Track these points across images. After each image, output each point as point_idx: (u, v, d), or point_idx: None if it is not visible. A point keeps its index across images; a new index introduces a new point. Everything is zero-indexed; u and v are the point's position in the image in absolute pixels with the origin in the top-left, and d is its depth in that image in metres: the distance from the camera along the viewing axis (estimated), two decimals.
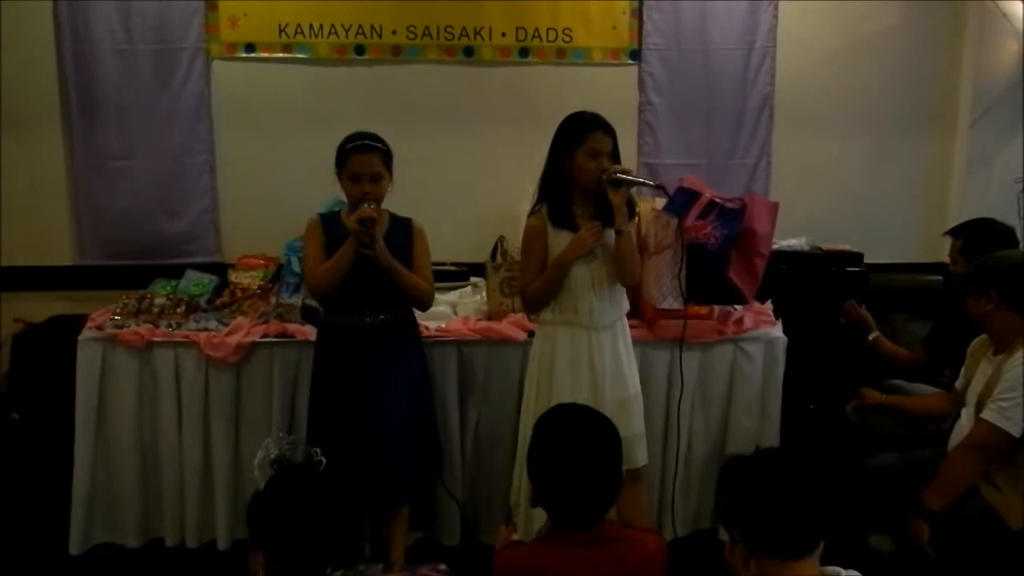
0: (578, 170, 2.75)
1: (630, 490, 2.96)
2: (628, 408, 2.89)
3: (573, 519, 1.83)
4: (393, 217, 2.97)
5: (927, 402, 3.20)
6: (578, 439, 1.86)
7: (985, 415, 2.64)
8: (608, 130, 2.78)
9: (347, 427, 2.88)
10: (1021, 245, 3.49)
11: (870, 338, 3.53)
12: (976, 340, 2.92)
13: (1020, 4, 4.01)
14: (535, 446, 1.89)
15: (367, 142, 2.84)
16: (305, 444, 1.88)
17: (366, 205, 2.74)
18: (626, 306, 2.97)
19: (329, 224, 2.89)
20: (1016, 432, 2.58)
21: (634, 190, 2.87)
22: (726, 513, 1.76)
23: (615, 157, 2.77)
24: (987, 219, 3.31)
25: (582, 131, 2.75)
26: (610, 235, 2.80)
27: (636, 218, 2.93)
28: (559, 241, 2.80)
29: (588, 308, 2.82)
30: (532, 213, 2.88)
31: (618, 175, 2.69)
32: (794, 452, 1.85)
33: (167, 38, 3.82)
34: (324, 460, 1.88)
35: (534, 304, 2.89)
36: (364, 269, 2.79)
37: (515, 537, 2.03)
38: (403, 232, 2.94)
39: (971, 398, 2.78)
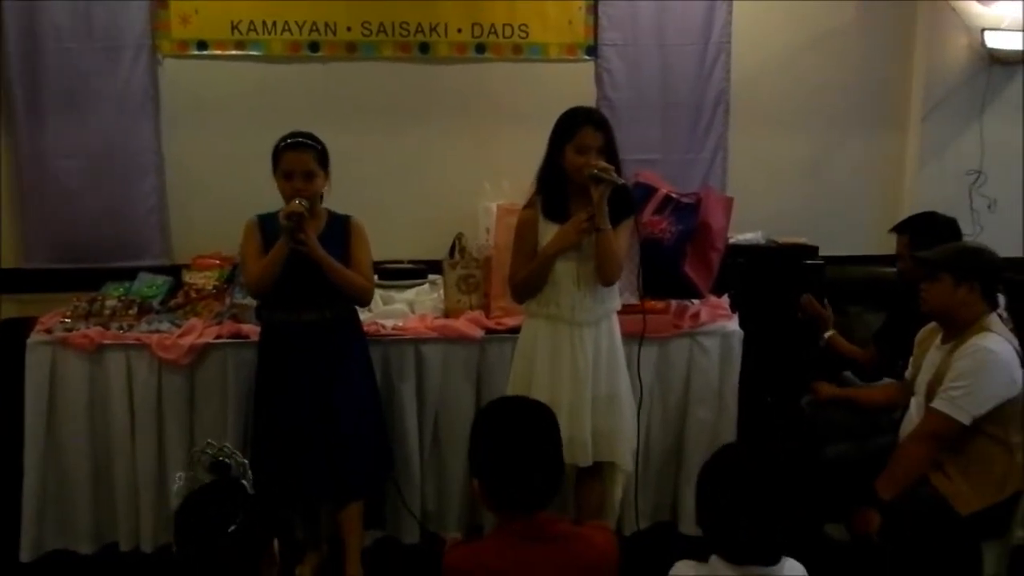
0: (568, 165, 2.76)
1: (592, 486, 3.00)
2: (610, 406, 2.90)
3: (513, 506, 1.82)
4: (332, 215, 2.99)
5: (878, 393, 3.24)
6: (513, 427, 1.86)
7: (935, 404, 2.67)
8: (600, 126, 2.79)
9: (288, 425, 2.90)
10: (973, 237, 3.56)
11: (825, 336, 3.55)
12: (923, 329, 2.95)
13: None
14: (474, 438, 1.89)
15: (300, 140, 2.87)
16: (235, 453, 1.84)
17: (297, 200, 2.77)
18: (616, 304, 2.96)
19: (267, 225, 2.91)
20: (965, 420, 2.62)
21: None
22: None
23: (609, 152, 2.76)
24: (930, 213, 3.34)
25: (572, 126, 2.77)
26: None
27: (632, 217, 2.91)
28: (550, 234, 2.80)
29: (570, 303, 2.82)
30: (527, 205, 2.89)
31: (596, 172, 2.69)
32: (753, 453, 1.87)
33: (113, 36, 3.73)
34: (251, 475, 1.84)
35: (519, 294, 2.91)
36: (301, 267, 2.81)
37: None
38: (341, 230, 2.97)
39: (920, 387, 2.82)
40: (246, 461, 1.84)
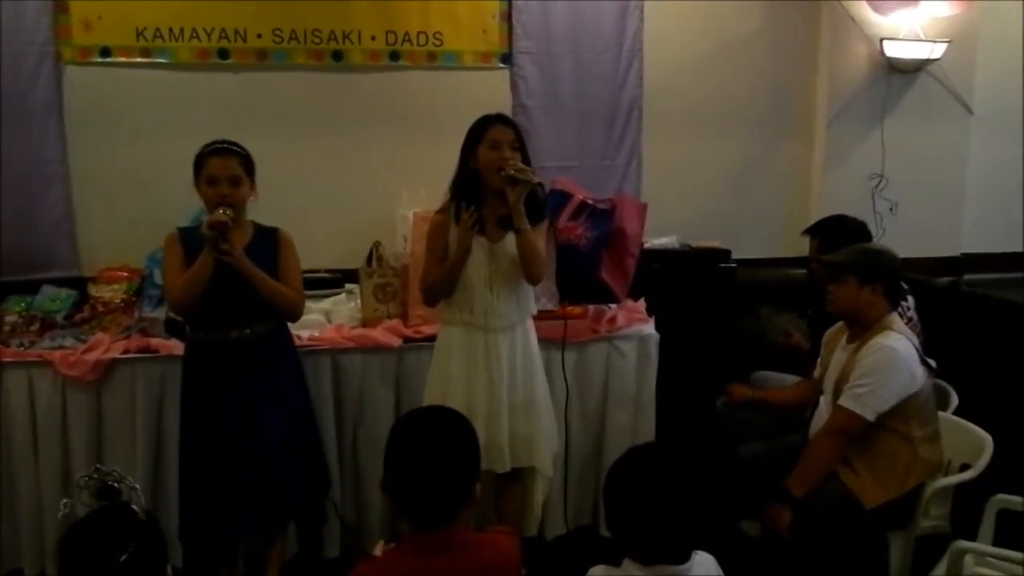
0: (482, 163, 2.79)
1: (511, 492, 3.01)
2: (527, 411, 2.92)
3: (418, 521, 1.81)
4: (258, 227, 2.90)
5: (789, 393, 3.31)
6: (418, 443, 1.84)
7: (841, 402, 2.76)
8: (508, 123, 2.88)
9: (217, 448, 2.78)
10: (876, 239, 3.67)
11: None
12: (830, 330, 3.05)
13: (869, 9, 4.22)
14: (390, 446, 1.87)
15: (225, 145, 2.79)
16: (125, 478, 1.78)
17: (220, 210, 2.67)
18: (531, 309, 2.99)
19: (188, 238, 2.80)
20: (871, 417, 2.71)
21: None
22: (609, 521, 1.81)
23: (521, 152, 2.81)
24: (839, 216, 3.45)
25: (483, 126, 2.84)
26: (511, 240, 2.82)
27: (545, 220, 2.96)
28: None
29: (483, 309, 2.84)
30: (440, 210, 2.91)
31: (512, 174, 2.72)
32: (660, 454, 1.89)
33: (12, 41, 3.59)
34: (142, 499, 1.79)
35: (429, 297, 2.92)
36: (227, 282, 2.71)
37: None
38: (269, 242, 2.87)
39: (828, 385, 2.90)
40: (137, 486, 1.78)
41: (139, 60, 3.77)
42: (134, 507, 1.73)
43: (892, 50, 4.22)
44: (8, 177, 3.66)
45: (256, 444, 2.80)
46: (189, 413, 2.88)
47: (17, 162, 3.66)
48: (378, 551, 1.98)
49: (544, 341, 3.15)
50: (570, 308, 3.35)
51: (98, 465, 1.79)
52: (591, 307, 3.47)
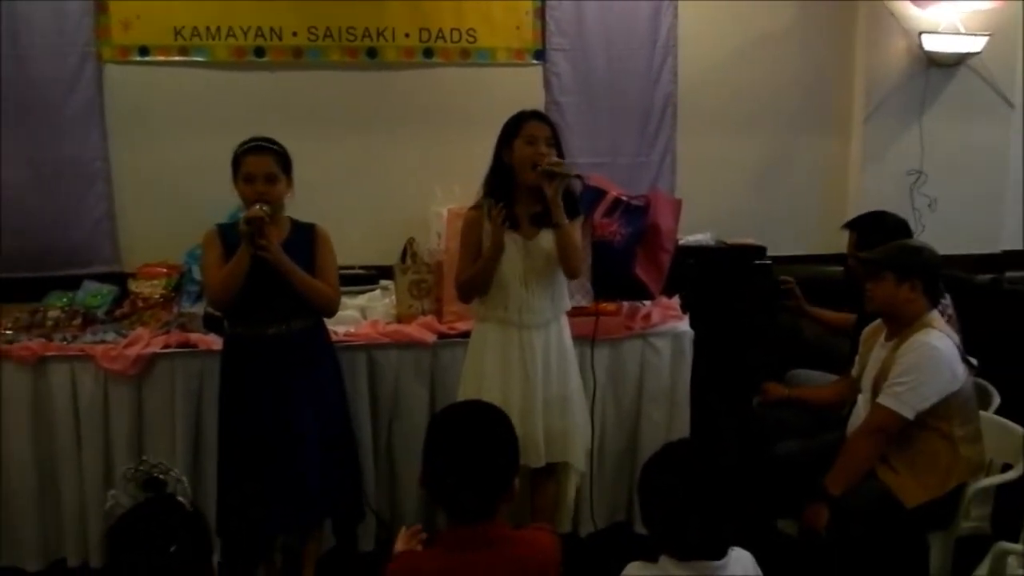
0: (518, 158, 2.78)
1: (545, 487, 3.01)
2: (562, 406, 2.92)
3: (463, 513, 1.82)
4: (295, 223, 2.92)
5: (826, 392, 3.28)
6: (458, 437, 1.85)
7: (880, 399, 2.72)
8: (544, 119, 2.87)
9: (254, 444, 2.81)
10: (915, 235, 3.62)
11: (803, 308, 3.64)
12: (868, 327, 3.02)
13: (907, 3, 4.17)
14: (428, 441, 1.88)
15: (261, 143, 2.81)
16: (171, 470, 1.81)
17: (257, 206, 2.69)
18: (566, 305, 2.98)
19: (227, 234, 2.82)
20: (910, 415, 2.67)
21: None
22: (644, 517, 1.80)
23: (556, 148, 2.81)
24: (880, 212, 3.40)
25: (518, 121, 2.83)
26: (545, 235, 2.82)
27: (581, 216, 2.95)
28: None
29: (518, 305, 2.84)
30: (474, 206, 2.90)
31: (548, 168, 2.71)
32: (695, 450, 1.89)
33: (55, 42, 3.66)
34: (189, 491, 1.81)
35: (463, 294, 2.92)
36: (264, 278, 2.73)
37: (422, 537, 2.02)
38: (306, 238, 2.90)
39: (866, 384, 2.87)
40: (183, 477, 1.81)
41: (177, 59, 3.82)
42: (180, 499, 1.75)
43: (931, 44, 4.17)
44: (51, 175, 3.74)
45: (292, 441, 2.82)
46: (226, 409, 2.90)
47: (60, 160, 3.74)
48: (401, 544, 1.98)
49: (579, 337, 3.15)
50: (604, 305, 3.34)
51: (144, 457, 1.81)
52: (625, 304, 3.46)
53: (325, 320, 2.98)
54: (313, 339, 2.92)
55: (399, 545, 1.96)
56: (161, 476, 1.78)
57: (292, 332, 2.83)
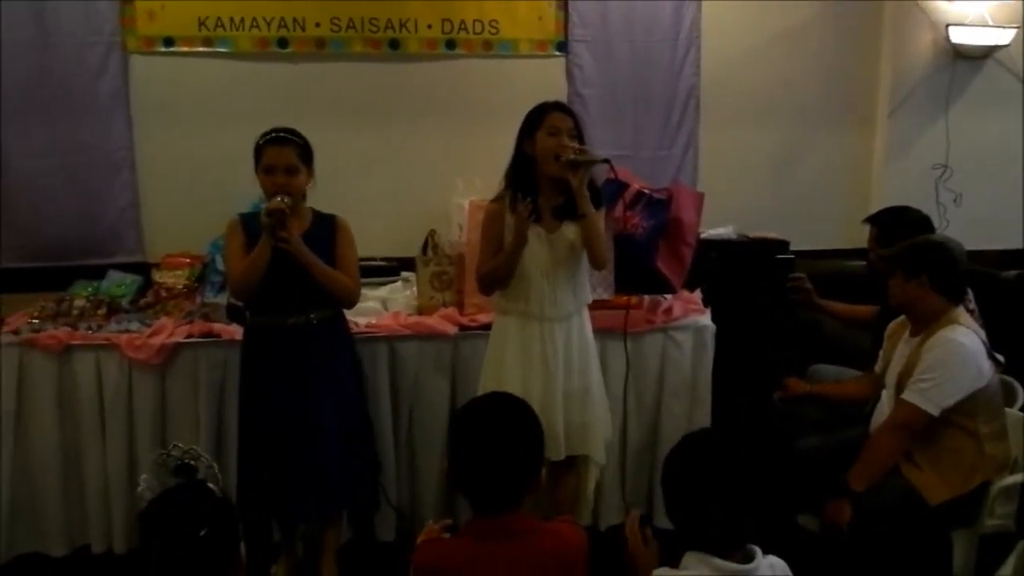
0: (540, 150, 2.76)
1: (566, 480, 3.01)
2: (583, 399, 2.91)
3: (488, 505, 1.83)
4: (317, 214, 2.93)
5: (849, 388, 3.26)
6: (485, 429, 1.85)
7: (905, 396, 2.70)
8: (567, 111, 2.85)
9: (272, 438, 2.83)
10: (939, 231, 3.59)
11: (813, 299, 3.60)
12: (892, 323, 2.99)
13: None
14: (452, 433, 1.89)
15: (281, 134, 2.81)
16: (203, 456, 1.82)
17: (279, 198, 2.70)
18: (587, 298, 2.97)
19: (249, 224, 2.83)
20: (935, 412, 2.65)
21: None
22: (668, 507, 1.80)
23: (579, 140, 2.79)
24: (902, 207, 3.38)
25: (541, 113, 2.81)
26: (568, 227, 2.81)
27: (603, 208, 2.93)
28: None
29: (540, 298, 2.83)
30: (495, 199, 2.90)
31: (573, 157, 2.70)
32: (717, 440, 1.88)
33: (80, 32, 3.69)
34: (219, 477, 1.83)
35: (484, 287, 2.92)
36: (287, 268, 2.74)
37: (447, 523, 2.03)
38: (327, 229, 2.90)
39: (890, 379, 2.85)
40: (215, 464, 1.82)
41: (201, 49, 3.85)
42: (210, 485, 1.77)
43: (958, 36, 4.13)
44: (77, 165, 3.78)
45: (312, 432, 2.84)
46: (246, 399, 2.93)
47: (86, 150, 3.78)
48: (424, 538, 1.99)
49: (599, 330, 3.14)
50: (626, 298, 3.33)
51: (176, 443, 1.83)
52: (647, 297, 3.45)
53: (346, 311, 2.99)
54: (333, 330, 2.94)
55: (423, 539, 1.97)
56: (192, 462, 1.80)
57: (312, 323, 2.85)
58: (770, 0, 4.19)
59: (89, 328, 3.22)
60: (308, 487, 2.84)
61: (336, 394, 2.90)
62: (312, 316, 2.85)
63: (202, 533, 1.63)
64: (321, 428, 2.85)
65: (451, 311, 3.41)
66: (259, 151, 2.81)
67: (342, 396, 2.93)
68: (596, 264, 2.87)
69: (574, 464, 3.00)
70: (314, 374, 2.85)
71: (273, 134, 2.82)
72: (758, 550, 1.76)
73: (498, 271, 2.83)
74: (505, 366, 2.87)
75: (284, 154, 2.78)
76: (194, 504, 1.69)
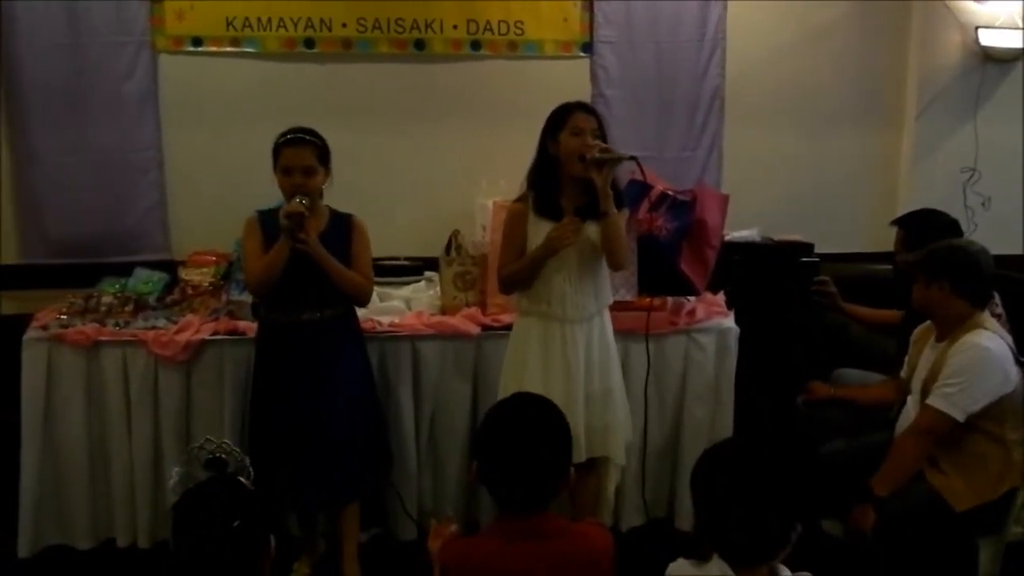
0: (563, 150, 2.76)
1: (587, 482, 3.00)
2: (604, 401, 2.91)
3: (515, 505, 1.83)
4: (334, 213, 2.96)
5: (874, 392, 3.23)
6: (522, 426, 1.85)
7: (931, 401, 2.68)
8: (591, 111, 2.85)
9: (284, 427, 2.88)
10: (966, 235, 3.55)
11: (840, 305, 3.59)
12: (918, 328, 2.97)
13: None
14: (482, 432, 1.89)
15: (299, 135, 2.84)
16: (234, 450, 1.84)
17: (297, 199, 2.73)
18: (608, 299, 2.97)
19: (267, 221, 2.87)
20: (960, 417, 2.63)
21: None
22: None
23: (602, 140, 2.79)
24: (930, 210, 3.35)
25: (564, 113, 2.80)
26: (590, 227, 2.80)
27: (626, 209, 2.93)
28: (539, 230, 2.80)
29: (561, 300, 2.82)
30: (518, 199, 2.90)
31: (597, 156, 2.70)
32: (747, 448, 1.87)
33: (111, 32, 3.73)
34: (250, 471, 1.85)
35: (506, 287, 2.93)
36: (303, 266, 2.78)
37: (453, 528, 2.03)
38: (343, 228, 2.94)
39: (916, 385, 2.83)
40: (246, 457, 1.84)
41: (229, 49, 3.88)
42: (241, 479, 1.79)
43: (988, 38, 4.08)
44: (105, 164, 3.83)
45: (322, 425, 2.88)
46: (261, 392, 2.98)
47: (114, 149, 3.83)
48: (433, 539, 2.00)
49: (622, 332, 3.14)
50: (648, 300, 3.32)
51: (209, 437, 1.85)
52: (670, 299, 3.44)
53: (368, 310, 3.04)
54: (345, 326, 2.99)
55: (434, 542, 1.98)
56: (223, 456, 1.82)
57: (325, 319, 2.89)
58: (796, 0, 4.17)
59: (116, 324, 3.26)
60: (319, 476, 2.88)
61: (346, 390, 2.95)
62: (326, 312, 2.89)
63: (235, 525, 1.65)
64: (330, 422, 2.89)
65: (474, 311, 3.42)
66: (277, 151, 2.85)
67: (353, 390, 2.97)
68: (614, 265, 2.86)
69: (594, 466, 2.99)
70: (326, 369, 2.90)
71: (291, 135, 2.85)
72: (786, 570, 1.73)
73: (522, 273, 2.83)
74: (526, 367, 2.87)
75: (302, 155, 2.82)
76: (227, 498, 1.72)
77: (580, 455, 2.85)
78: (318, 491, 2.92)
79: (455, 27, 3.98)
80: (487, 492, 1.92)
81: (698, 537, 1.78)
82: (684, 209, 3.36)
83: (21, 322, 3.32)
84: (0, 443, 3.28)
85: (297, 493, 2.90)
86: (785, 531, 1.68)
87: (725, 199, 3.49)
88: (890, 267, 3.54)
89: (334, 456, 2.89)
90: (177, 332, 3.19)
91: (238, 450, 1.85)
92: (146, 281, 3.58)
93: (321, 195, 2.90)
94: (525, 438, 1.83)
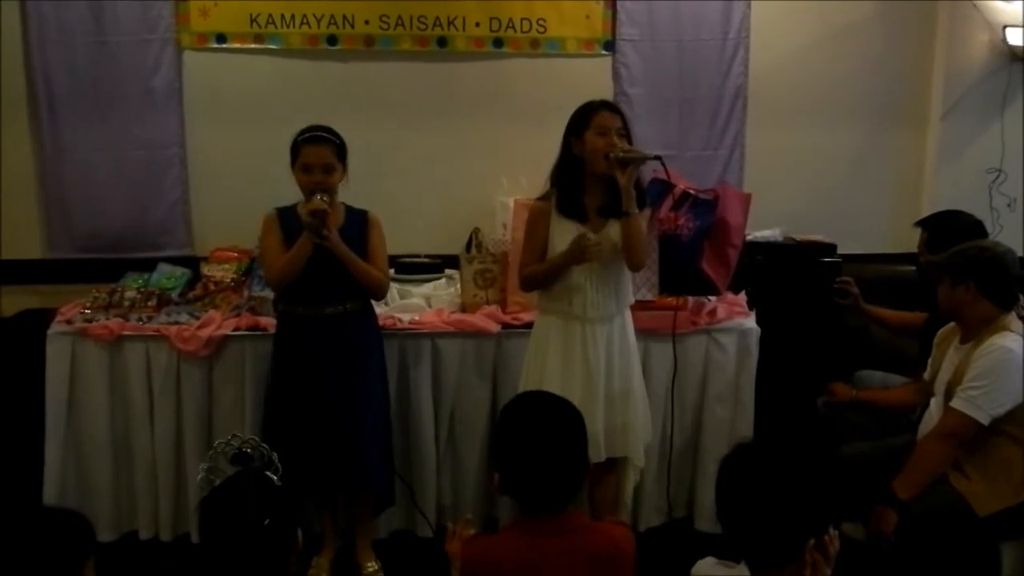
0: (588, 150, 2.76)
1: (606, 482, 3.00)
2: (624, 401, 2.90)
3: (537, 505, 1.83)
4: (349, 209, 3.00)
5: (896, 395, 3.21)
6: (540, 424, 1.86)
7: (955, 404, 2.66)
8: (615, 110, 2.84)
9: (303, 418, 2.92)
10: (992, 236, 3.52)
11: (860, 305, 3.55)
12: (942, 330, 2.94)
13: None
14: (500, 432, 1.89)
15: (319, 133, 2.88)
16: (261, 446, 1.85)
17: (318, 196, 2.77)
18: (629, 299, 2.96)
19: (286, 218, 2.92)
20: (984, 420, 2.61)
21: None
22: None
23: (627, 139, 2.79)
24: (954, 211, 3.32)
25: (589, 112, 2.80)
26: (612, 227, 2.80)
27: (648, 209, 2.93)
28: (561, 228, 2.80)
29: (582, 299, 2.82)
30: (541, 197, 2.90)
31: (621, 155, 2.70)
32: (772, 451, 1.85)
33: (137, 29, 3.76)
34: (278, 467, 1.86)
35: (526, 286, 2.95)
36: (322, 261, 2.82)
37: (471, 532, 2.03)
38: (359, 224, 2.98)
39: (940, 387, 2.80)
40: (274, 453, 1.86)
41: (252, 46, 3.89)
42: (268, 474, 1.81)
43: (1015, 38, 4.03)
44: (131, 159, 3.85)
45: (339, 416, 2.92)
46: (278, 381, 3.01)
47: (139, 145, 3.85)
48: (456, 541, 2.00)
49: (643, 332, 3.13)
50: (673, 299, 3.31)
51: (235, 432, 1.87)
52: (691, 299, 3.43)
53: (388, 307, 3.07)
54: (365, 320, 3.04)
55: (451, 544, 1.98)
56: (250, 451, 1.83)
57: (347, 313, 2.94)
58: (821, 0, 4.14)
59: (139, 319, 3.29)
60: (334, 464, 2.92)
61: (364, 383, 2.99)
62: (347, 306, 2.94)
63: (266, 522, 1.66)
64: (350, 414, 2.93)
65: (494, 309, 3.42)
66: (296, 149, 2.89)
67: (370, 384, 3.02)
68: (632, 266, 2.85)
69: (613, 466, 2.99)
70: (346, 362, 2.94)
71: (310, 133, 2.89)
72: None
73: (545, 275, 2.83)
74: (546, 366, 2.86)
75: (322, 153, 2.85)
76: (255, 493, 1.73)
77: (599, 455, 2.86)
78: (332, 478, 2.95)
79: (477, 24, 3.97)
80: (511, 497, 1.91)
81: (728, 539, 1.77)
82: (706, 208, 3.35)
83: (46, 316, 3.35)
84: (24, 436, 3.31)
85: (314, 479, 2.92)
86: (807, 535, 1.67)
87: (747, 198, 3.47)
88: (913, 268, 3.51)
89: (348, 447, 2.93)
90: (199, 327, 3.22)
91: (265, 446, 1.86)
92: (169, 276, 3.61)
93: (336, 192, 2.93)
94: (542, 439, 1.83)
